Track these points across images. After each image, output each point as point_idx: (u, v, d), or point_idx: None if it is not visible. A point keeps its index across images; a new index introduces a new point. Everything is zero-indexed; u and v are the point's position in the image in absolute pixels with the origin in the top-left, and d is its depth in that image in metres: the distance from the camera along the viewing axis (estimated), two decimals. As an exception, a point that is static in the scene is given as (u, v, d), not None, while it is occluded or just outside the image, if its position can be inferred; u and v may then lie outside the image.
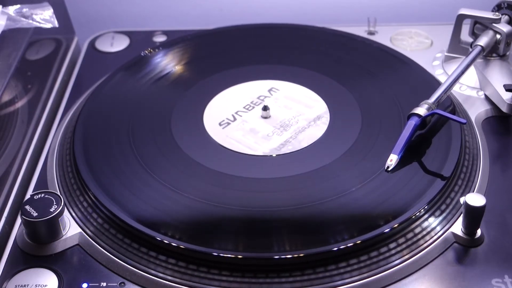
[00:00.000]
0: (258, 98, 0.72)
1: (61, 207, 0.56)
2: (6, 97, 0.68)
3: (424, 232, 0.56)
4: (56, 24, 0.73)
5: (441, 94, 0.65)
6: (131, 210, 0.57)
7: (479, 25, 0.74)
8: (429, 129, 0.64)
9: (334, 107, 0.69)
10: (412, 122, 0.62)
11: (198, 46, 0.80)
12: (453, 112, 0.67)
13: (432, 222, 0.56)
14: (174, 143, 0.65)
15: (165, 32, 0.87)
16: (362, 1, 0.96)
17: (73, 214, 0.59)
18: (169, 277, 0.54)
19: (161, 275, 0.54)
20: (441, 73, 0.76)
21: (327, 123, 0.67)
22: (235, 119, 0.69)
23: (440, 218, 0.57)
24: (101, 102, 0.71)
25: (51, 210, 0.56)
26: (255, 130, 0.67)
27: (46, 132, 0.72)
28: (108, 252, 0.56)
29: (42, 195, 0.57)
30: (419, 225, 0.56)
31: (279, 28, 0.82)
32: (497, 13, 0.73)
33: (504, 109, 0.68)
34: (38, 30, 0.73)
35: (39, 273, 0.55)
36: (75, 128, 0.67)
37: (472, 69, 0.72)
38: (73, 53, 0.86)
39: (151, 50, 0.79)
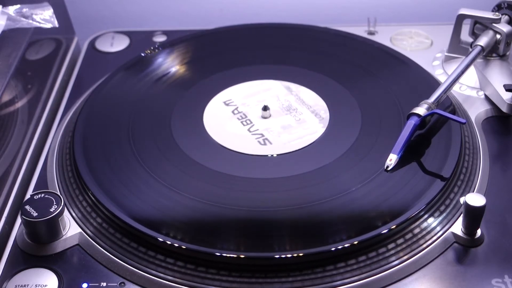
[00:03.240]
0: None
1: (61, 207, 0.56)
2: (6, 97, 0.68)
3: (424, 232, 0.56)
4: (56, 24, 0.73)
5: (441, 94, 0.65)
6: (130, 210, 0.57)
7: (479, 25, 0.74)
8: (429, 129, 0.64)
9: (334, 107, 0.69)
10: (411, 122, 0.62)
11: (198, 46, 0.80)
12: (453, 112, 0.67)
13: (432, 222, 0.56)
14: (174, 143, 0.65)
15: (165, 32, 0.86)
16: (362, 1, 0.96)
17: (73, 214, 0.59)
18: (169, 277, 0.54)
19: (161, 275, 0.54)
20: (441, 73, 0.76)
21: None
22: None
23: (440, 218, 0.57)
24: (101, 102, 0.71)
25: (51, 210, 0.56)
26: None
27: (46, 132, 0.72)
28: (108, 252, 0.56)
29: (42, 195, 0.57)
30: (419, 225, 0.56)
31: (279, 28, 0.82)
32: (497, 13, 0.73)
33: (504, 109, 0.68)
34: (38, 30, 0.73)
35: (39, 273, 0.55)
36: (75, 128, 0.67)
37: (472, 69, 0.72)
38: (73, 53, 0.86)
39: (151, 50, 0.79)
